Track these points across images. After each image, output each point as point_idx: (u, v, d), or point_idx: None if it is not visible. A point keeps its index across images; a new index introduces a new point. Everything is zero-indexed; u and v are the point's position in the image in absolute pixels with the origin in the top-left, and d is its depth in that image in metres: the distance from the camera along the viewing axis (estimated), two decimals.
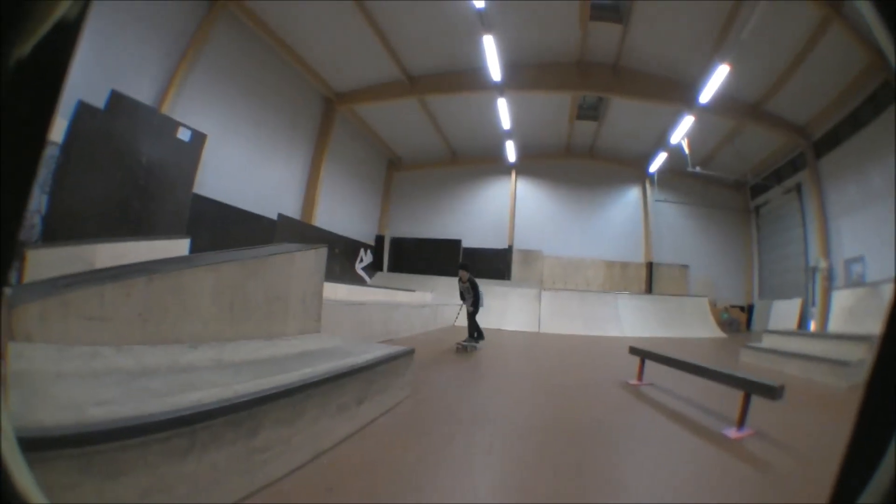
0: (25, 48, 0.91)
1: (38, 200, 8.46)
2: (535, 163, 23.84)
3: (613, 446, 3.97)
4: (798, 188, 19.02)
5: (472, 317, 9.87)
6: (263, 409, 2.70)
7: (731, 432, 4.36)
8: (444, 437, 3.86)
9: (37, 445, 1.62)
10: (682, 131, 18.31)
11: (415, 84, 18.05)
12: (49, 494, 1.06)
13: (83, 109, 8.89)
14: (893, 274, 12.16)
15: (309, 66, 16.89)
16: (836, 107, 15.97)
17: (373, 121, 21.53)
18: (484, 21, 12.97)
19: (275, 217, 15.65)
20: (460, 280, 9.87)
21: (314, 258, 5.67)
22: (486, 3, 12.40)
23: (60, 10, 0.94)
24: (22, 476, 1.01)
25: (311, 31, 15.05)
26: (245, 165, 14.64)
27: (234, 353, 3.66)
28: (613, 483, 3.10)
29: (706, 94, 15.20)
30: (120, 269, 4.02)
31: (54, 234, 8.37)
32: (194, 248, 9.23)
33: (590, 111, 20.43)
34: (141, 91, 10.65)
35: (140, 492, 1.98)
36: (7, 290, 0.96)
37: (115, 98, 9.56)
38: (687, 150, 19.38)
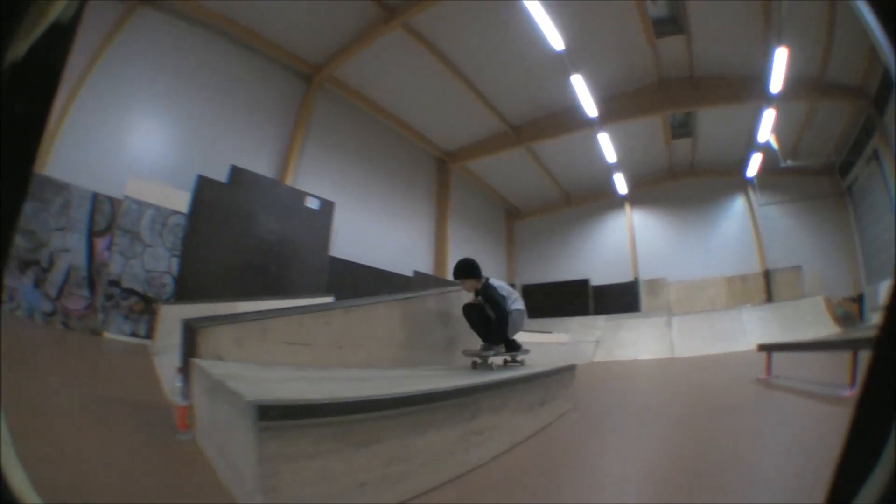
0: (21, 49, 0.91)
1: (167, 262, 9.73)
2: (644, 190, 23.79)
3: (745, 421, 4.76)
4: (875, 154, 17.36)
5: (499, 325, 6.05)
6: (481, 397, 3.37)
7: (845, 392, 4.97)
8: (609, 436, 4.67)
9: (307, 412, 2.19)
10: (766, 127, 17.68)
11: (519, 133, 18.80)
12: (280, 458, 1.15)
13: (203, 183, 10.24)
14: None
15: (414, 130, 18.04)
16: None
17: (486, 175, 22.41)
18: (567, 61, 13.54)
19: (409, 274, 16.53)
20: (476, 293, 6.20)
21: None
22: (564, 45, 12.96)
23: (55, 12, 0.95)
24: (17, 476, 1.00)
25: (408, 97, 16.21)
26: (373, 228, 15.85)
27: (428, 372, 4.43)
28: (749, 445, 3.75)
29: (775, 83, 14.75)
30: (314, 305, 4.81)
31: (186, 293, 9.53)
32: None
33: (681, 129, 20.30)
34: (260, 166, 12.07)
35: (385, 460, 2.42)
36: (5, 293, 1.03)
37: (236, 172, 10.94)
38: (776, 146, 18.71)
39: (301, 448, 2.12)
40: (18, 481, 1.00)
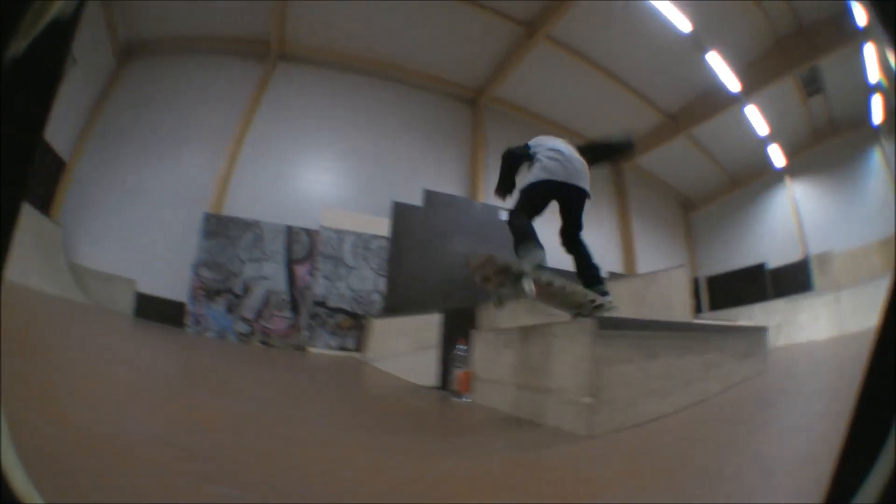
0: (20, 47, 0.93)
1: (374, 282, 10.81)
2: (796, 159, 22.70)
3: None
4: None
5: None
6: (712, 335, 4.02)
7: None
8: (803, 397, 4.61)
9: (626, 325, 2.83)
10: (872, 64, 16.08)
11: (676, 121, 18.68)
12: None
13: (399, 208, 11.12)
14: None
15: (581, 135, 18.11)
16: None
17: (655, 169, 22.32)
18: (698, 41, 13.50)
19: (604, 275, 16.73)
20: None
21: None
22: (691, 27, 13.01)
23: (55, 10, 0.96)
24: (18, 476, 1.01)
25: (567, 104, 16.18)
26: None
27: None
28: None
29: (859, 16, 13.23)
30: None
31: (395, 307, 10.31)
32: None
33: (811, 86, 19.23)
34: (452, 187, 12.87)
35: (663, 369, 3.34)
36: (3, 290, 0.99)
37: (429, 195, 11.65)
38: (885, 83, 17.21)
39: (617, 353, 2.77)
40: (19, 481, 1.00)
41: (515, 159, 4.47)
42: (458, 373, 4.41)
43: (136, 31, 14.01)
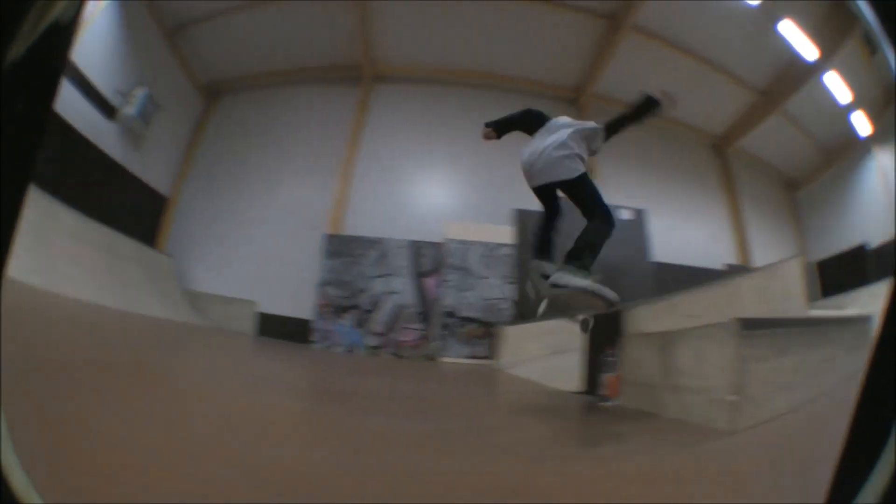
0: (21, 49, 0.94)
1: (502, 289, 10.98)
2: (882, 126, 21.43)
3: None
4: None
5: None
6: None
7: None
8: None
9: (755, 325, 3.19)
10: None
11: (768, 98, 18.16)
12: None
13: (521, 215, 11.14)
14: None
15: (682, 122, 17.77)
16: None
17: (756, 150, 21.68)
18: (769, 11, 13.21)
19: (720, 267, 16.33)
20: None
21: None
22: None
23: (55, 13, 0.97)
24: (18, 476, 1.02)
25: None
26: (669, 227, 15.75)
27: None
28: None
29: None
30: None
31: (525, 314, 10.29)
32: None
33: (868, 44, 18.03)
34: None
35: (791, 365, 3.40)
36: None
37: None
38: None
39: (756, 352, 3.23)
40: (19, 481, 1.00)
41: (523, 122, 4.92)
42: (607, 377, 4.77)
43: (217, 72, 14.66)
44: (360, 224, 12.16)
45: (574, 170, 4.28)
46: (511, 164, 12.78)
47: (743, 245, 18.39)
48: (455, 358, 10.62)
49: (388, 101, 13.18)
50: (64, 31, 1.05)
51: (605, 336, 5.36)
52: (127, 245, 12.19)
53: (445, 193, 12.16)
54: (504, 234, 11.25)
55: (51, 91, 1.07)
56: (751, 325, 3.49)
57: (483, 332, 10.65)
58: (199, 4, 12.91)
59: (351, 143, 12.89)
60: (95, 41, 11.23)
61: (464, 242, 11.29)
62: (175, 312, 11.67)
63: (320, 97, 13.77)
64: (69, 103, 10.80)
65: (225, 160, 14.20)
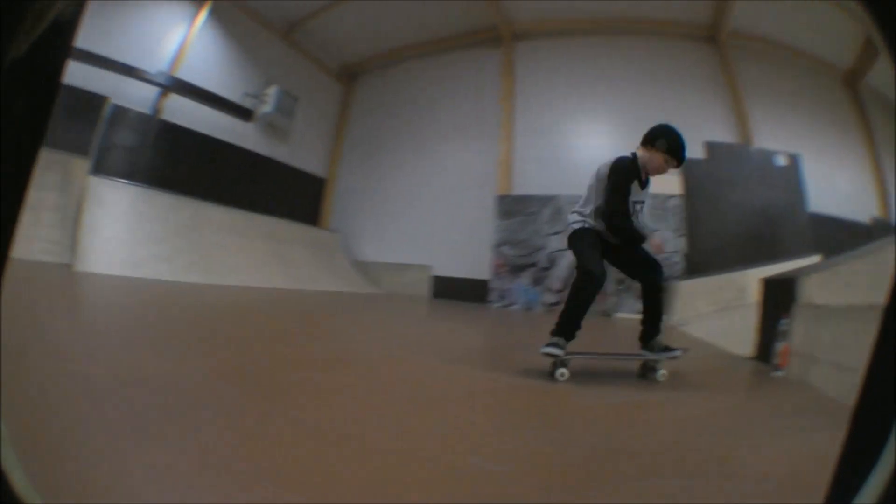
0: (21, 48, 0.93)
1: (675, 243, 10.56)
2: None
3: None
4: None
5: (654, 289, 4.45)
6: None
7: None
8: None
9: None
10: None
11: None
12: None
13: (686, 163, 10.90)
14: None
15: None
16: None
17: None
18: None
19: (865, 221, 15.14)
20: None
21: None
22: None
23: (56, 10, 0.96)
24: (19, 476, 1.01)
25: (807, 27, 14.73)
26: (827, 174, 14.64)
27: None
28: None
29: None
30: None
31: (696, 268, 10.21)
32: None
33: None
34: (723, 134, 11.96)
35: None
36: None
37: (709, 147, 11.15)
38: None
39: None
40: (19, 481, 0.99)
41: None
42: (780, 346, 4.54)
43: (348, 56, 15.51)
44: (528, 182, 12.21)
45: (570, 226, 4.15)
46: (674, 108, 12.13)
47: (884, 196, 16.93)
48: (629, 314, 10.20)
49: (532, 58, 12.96)
50: (66, 29, 1.03)
51: (779, 302, 4.97)
52: (292, 229, 13.23)
53: (605, 144, 11.80)
54: (672, 184, 10.67)
55: (52, 90, 1.04)
56: None
57: None
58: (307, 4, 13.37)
59: (504, 102, 12.88)
60: (207, 58, 12.20)
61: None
62: (346, 284, 12.20)
63: (463, 63, 13.90)
64: (201, 118, 11.90)
65: (375, 135, 14.87)
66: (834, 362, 3.75)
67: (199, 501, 1.58)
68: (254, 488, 1.65)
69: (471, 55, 13.77)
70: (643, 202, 4.40)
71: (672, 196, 10.86)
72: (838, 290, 4.47)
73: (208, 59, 12.25)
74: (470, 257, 12.52)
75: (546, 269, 11.42)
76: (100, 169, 9.66)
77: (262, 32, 13.43)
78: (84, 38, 9.81)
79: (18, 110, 0.95)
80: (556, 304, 10.95)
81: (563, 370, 3.77)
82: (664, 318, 4.34)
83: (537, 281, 11.49)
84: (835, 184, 12.89)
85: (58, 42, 0.98)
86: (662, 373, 4.06)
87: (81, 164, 9.30)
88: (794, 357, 4.44)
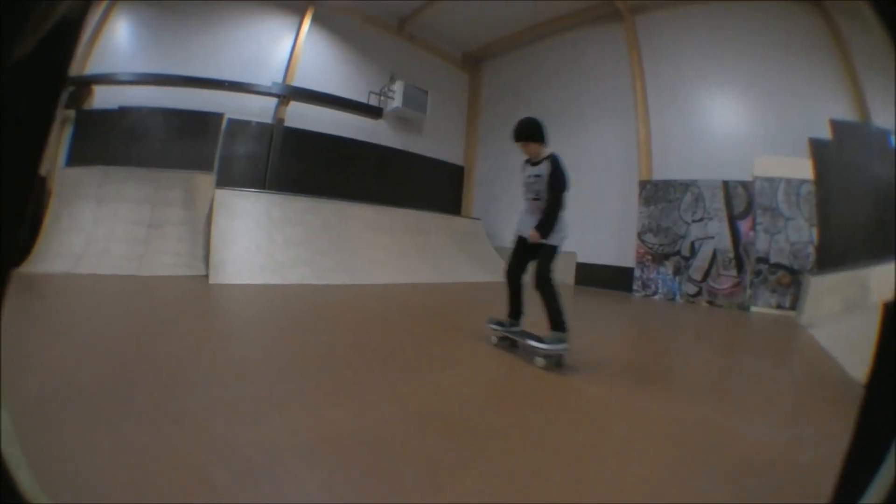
0: (26, 47, 0.91)
1: (808, 232, 9.64)
2: None
3: None
4: None
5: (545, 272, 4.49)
6: None
7: None
8: None
9: None
10: None
11: None
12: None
13: (816, 145, 9.71)
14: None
15: None
16: None
17: None
18: None
19: None
20: (528, 162, 4.85)
21: None
22: None
23: (61, 10, 0.94)
24: (23, 475, 0.99)
25: None
26: None
27: None
28: None
29: None
30: None
31: (828, 261, 9.24)
32: None
33: None
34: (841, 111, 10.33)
35: None
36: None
37: (835, 126, 9.82)
38: None
39: None
40: (25, 481, 0.99)
41: None
42: None
43: (469, 44, 15.52)
44: (667, 165, 11.56)
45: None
46: (802, 87, 10.85)
47: None
48: (764, 307, 9.76)
49: (654, 32, 12.12)
50: (70, 29, 0.98)
51: None
52: (435, 220, 13.45)
53: (743, 123, 10.77)
54: (804, 167, 9.72)
55: (56, 90, 1.00)
56: None
57: (790, 280, 9.60)
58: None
59: (636, 82, 12.20)
60: (320, 63, 12.58)
61: (771, 180, 9.96)
62: (493, 274, 11.98)
63: (588, 41, 13.42)
64: (328, 121, 12.39)
65: (508, 120, 14.37)
66: None
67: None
68: None
69: (595, 32, 13.24)
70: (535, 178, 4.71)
71: (805, 181, 9.78)
72: None
73: (322, 63, 12.62)
74: (614, 245, 12.24)
75: (687, 258, 10.85)
76: (225, 181, 10.19)
77: (372, 31, 13.63)
78: (193, 66, 10.93)
79: (23, 110, 0.95)
80: (697, 294, 10.64)
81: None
82: (555, 310, 4.37)
83: (678, 270, 10.94)
84: None
85: (63, 42, 0.98)
86: (540, 360, 4.22)
87: (207, 179, 9.78)
88: None
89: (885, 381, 0.90)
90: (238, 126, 10.92)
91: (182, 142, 10.12)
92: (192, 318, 5.63)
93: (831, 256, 9.26)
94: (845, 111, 10.22)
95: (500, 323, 4.82)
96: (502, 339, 4.86)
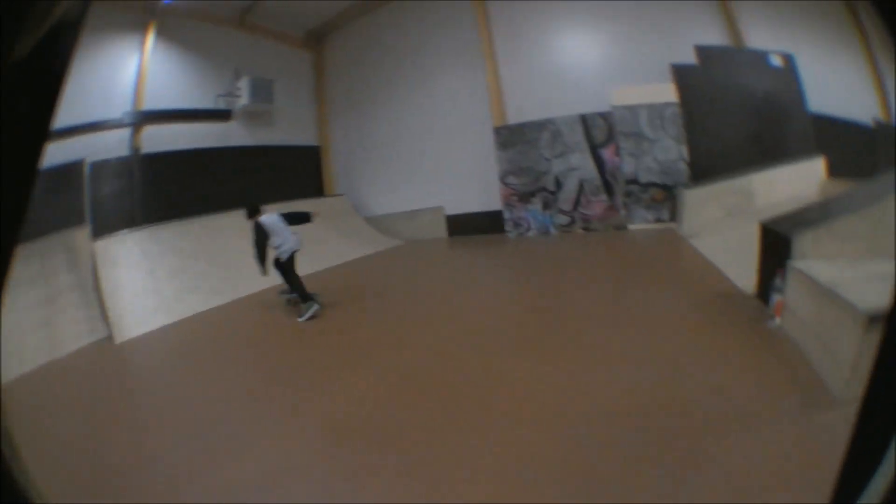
0: (25, 48, 0.92)
1: (677, 151, 10.25)
2: None
3: None
4: None
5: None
6: None
7: None
8: None
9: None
10: None
11: None
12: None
13: (679, 71, 10.31)
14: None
15: None
16: None
17: None
18: None
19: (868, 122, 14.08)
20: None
21: None
22: None
23: (60, 11, 0.96)
24: (22, 476, 1.01)
25: None
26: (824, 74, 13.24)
27: None
28: None
29: None
30: None
31: (701, 174, 9.99)
32: (831, 167, 9.71)
33: None
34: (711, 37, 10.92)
35: None
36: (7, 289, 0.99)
37: (700, 51, 10.44)
38: None
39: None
40: (24, 481, 1.00)
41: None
42: (776, 297, 4.69)
43: (310, 21, 15.05)
44: (523, 110, 11.83)
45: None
46: (659, 8, 11.14)
47: (884, 97, 15.35)
48: (641, 224, 10.52)
49: None
50: (69, 31, 1.02)
51: (776, 254, 4.89)
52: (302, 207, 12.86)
53: (597, 57, 11.08)
54: (667, 91, 10.36)
55: (55, 91, 1.04)
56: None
57: (664, 196, 10.32)
58: None
59: (481, 32, 12.28)
60: (168, 78, 11.82)
61: (631, 108, 10.56)
62: (363, 243, 12.37)
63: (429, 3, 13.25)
64: (182, 136, 11.80)
65: (359, 90, 14.61)
66: (820, 337, 3.87)
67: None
68: None
69: None
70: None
71: (668, 104, 10.43)
72: (834, 249, 4.47)
73: (169, 78, 12.00)
74: (479, 192, 12.55)
75: (553, 192, 11.37)
76: (103, 227, 9.60)
77: (216, 30, 13.04)
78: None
79: (22, 109, 0.96)
80: (570, 224, 11.25)
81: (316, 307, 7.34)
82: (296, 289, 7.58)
83: (547, 205, 11.46)
84: (832, 84, 12.21)
85: (62, 42, 1.00)
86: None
87: (82, 233, 9.20)
88: (787, 314, 4.54)
89: (884, 380, 0.92)
90: (100, 167, 10.22)
91: (51, 200, 9.17)
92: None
93: (705, 169, 10.00)
94: (715, 39, 10.83)
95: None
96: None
